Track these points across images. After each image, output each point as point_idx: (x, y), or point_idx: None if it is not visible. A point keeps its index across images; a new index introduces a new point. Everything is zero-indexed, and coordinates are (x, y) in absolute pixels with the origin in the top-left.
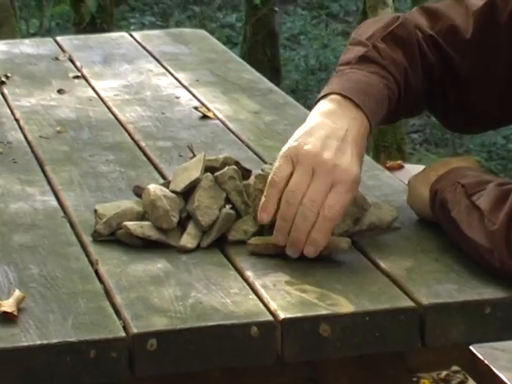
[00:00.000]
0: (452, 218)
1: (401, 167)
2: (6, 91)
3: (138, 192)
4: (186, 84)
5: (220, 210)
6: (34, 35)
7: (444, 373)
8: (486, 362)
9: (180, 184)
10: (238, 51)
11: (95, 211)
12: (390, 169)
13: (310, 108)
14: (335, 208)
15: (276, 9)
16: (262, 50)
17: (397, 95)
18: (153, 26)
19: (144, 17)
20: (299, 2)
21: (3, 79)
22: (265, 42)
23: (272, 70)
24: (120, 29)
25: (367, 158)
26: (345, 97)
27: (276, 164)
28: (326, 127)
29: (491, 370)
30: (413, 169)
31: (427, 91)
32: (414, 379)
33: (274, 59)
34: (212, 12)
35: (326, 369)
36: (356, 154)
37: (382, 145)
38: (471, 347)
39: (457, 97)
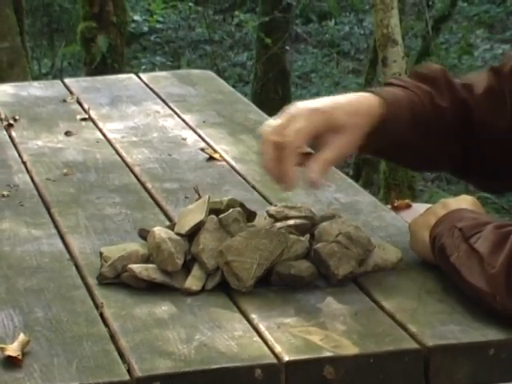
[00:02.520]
0: (452, 264)
1: (408, 206)
2: (13, 134)
3: (143, 234)
4: (192, 125)
5: None
6: (45, 75)
7: None
8: None
9: (185, 226)
10: (249, 89)
11: (100, 254)
12: (398, 208)
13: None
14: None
15: (287, 47)
16: (273, 88)
17: (422, 111)
18: (164, 66)
19: (155, 56)
20: (310, 40)
21: (11, 122)
22: (276, 80)
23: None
24: (131, 68)
25: (372, 199)
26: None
27: None
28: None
29: None
30: (420, 208)
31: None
32: None
33: (286, 97)
34: (223, 51)
35: None
36: (330, 99)
37: (393, 183)
38: None
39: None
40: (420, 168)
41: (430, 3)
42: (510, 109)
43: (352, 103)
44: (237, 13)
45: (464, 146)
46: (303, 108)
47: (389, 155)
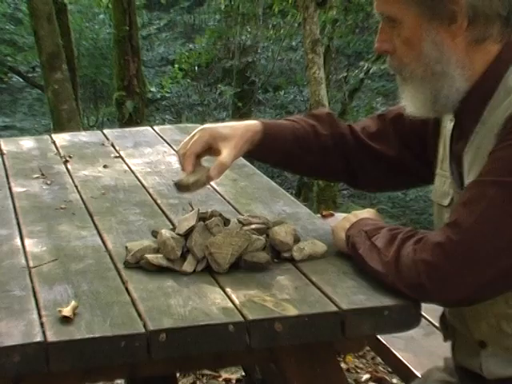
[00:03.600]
0: (360, 254)
1: (332, 215)
2: (69, 167)
3: (155, 234)
4: None
5: None
6: (92, 127)
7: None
8: (387, 345)
9: (182, 229)
10: None
11: (126, 247)
12: (325, 216)
13: (275, 175)
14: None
15: (252, 109)
16: None
17: (303, 134)
18: (170, 121)
19: (164, 115)
20: (267, 104)
21: (67, 158)
22: None
23: None
24: (149, 122)
25: (308, 211)
26: None
27: None
28: None
29: (391, 350)
30: (340, 216)
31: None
32: (342, 356)
33: None
34: (210, 111)
35: (280, 352)
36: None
37: (322, 199)
38: (378, 336)
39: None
40: (313, 177)
41: (347, 80)
42: (394, 142)
43: (234, 123)
44: (219, 85)
45: (348, 164)
46: (198, 129)
47: (285, 166)
